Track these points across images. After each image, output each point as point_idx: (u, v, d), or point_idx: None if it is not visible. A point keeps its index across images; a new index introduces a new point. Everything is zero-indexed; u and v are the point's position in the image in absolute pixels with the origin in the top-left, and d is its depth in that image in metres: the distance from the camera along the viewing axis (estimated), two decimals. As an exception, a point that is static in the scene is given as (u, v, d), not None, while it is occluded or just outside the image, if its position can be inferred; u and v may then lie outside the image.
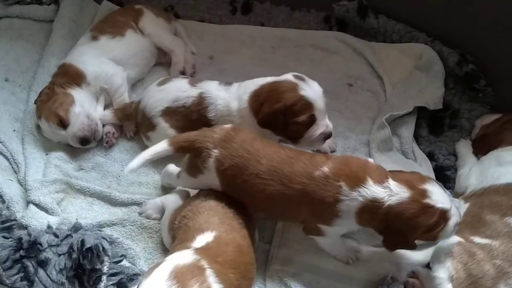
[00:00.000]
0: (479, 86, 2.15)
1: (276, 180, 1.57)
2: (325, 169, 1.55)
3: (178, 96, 1.91)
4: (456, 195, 1.92)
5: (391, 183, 1.51)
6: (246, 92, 1.82)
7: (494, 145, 1.93)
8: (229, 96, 1.86)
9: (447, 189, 1.94)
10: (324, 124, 1.79)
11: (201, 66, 2.37)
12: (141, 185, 1.98)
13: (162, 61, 2.37)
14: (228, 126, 1.69)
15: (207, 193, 1.71)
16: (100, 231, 1.72)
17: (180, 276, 1.26)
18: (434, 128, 2.15)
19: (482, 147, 1.99)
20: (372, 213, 1.51)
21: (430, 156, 2.08)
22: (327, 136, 1.81)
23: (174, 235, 1.65)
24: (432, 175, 1.99)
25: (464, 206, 1.78)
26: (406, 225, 1.49)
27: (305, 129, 1.77)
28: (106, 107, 2.14)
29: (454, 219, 1.54)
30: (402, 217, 1.47)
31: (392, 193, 1.49)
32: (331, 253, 1.75)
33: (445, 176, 2.02)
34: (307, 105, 1.74)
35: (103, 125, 2.09)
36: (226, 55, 2.41)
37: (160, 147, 1.67)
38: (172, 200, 1.80)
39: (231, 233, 1.54)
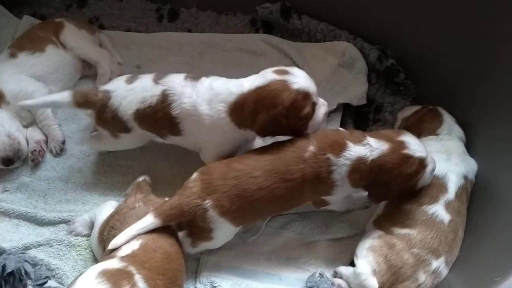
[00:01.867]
0: (399, 80, 2.22)
1: (278, 181, 1.59)
2: (311, 147, 1.63)
3: (145, 96, 1.77)
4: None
5: (370, 140, 1.63)
6: (219, 101, 1.68)
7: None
8: (196, 96, 1.72)
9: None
10: (322, 103, 1.72)
11: (128, 76, 2.35)
12: (69, 202, 1.95)
13: (88, 73, 2.33)
14: (195, 175, 1.63)
15: (135, 200, 1.71)
16: (24, 253, 1.68)
17: (109, 277, 1.27)
18: (359, 123, 2.19)
19: None
20: (360, 172, 1.61)
21: (357, 151, 2.13)
22: (327, 112, 1.76)
23: (104, 247, 1.64)
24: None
25: (385, 198, 1.84)
26: (389, 176, 1.61)
27: (310, 119, 1.68)
28: (29, 124, 2.10)
29: (430, 166, 1.67)
30: (385, 168, 1.60)
31: (372, 148, 1.61)
32: (348, 209, 1.86)
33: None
34: (306, 96, 1.63)
35: (27, 143, 2.04)
36: (153, 64, 2.39)
37: (147, 221, 1.54)
38: (100, 212, 1.78)
39: (158, 241, 1.54)
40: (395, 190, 1.66)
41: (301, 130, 1.70)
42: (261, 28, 2.52)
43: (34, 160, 2.03)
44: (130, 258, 1.42)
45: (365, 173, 1.62)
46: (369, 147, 1.62)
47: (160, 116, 1.77)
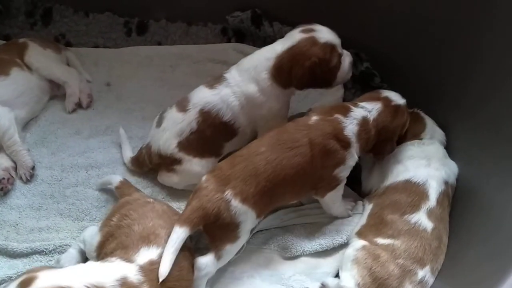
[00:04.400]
0: (375, 84, 2.20)
1: (284, 150, 1.61)
2: (314, 117, 1.69)
3: (181, 128, 1.84)
4: (363, 195, 1.93)
5: (361, 103, 1.74)
6: (260, 70, 1.80)
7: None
8: (237, 87, 1.81)
9: (355, 191, 1.96)
10: (346, 54, 1.86)
11: (98, 94, 2.28)
12: (42, 230, 1.86)
13: (57, 94, 2.27)
14: (204, 177, 1.62)
15: (141, 196, 1.74)
16: (-5, 290, 1.62)
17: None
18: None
19: None
20: (366, 132, 1.69)
21: (337, 158, 2.09)
22: (352, 62, 1.89)
23: (108, 232, 1.59)
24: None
25: (368, 207, 1.80)
26: (390, 130, 1.75)
27: (338, 69, 1.83)
28: (-2, 151, 2.03)
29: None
30: (387, 123, 1.73)
31: (368, 109, 1.72)
32: (337, 214, 1.84)
33: (353, 178, 2.02)
34: (332, 48, 1.79)
35: (-5, 171, 1.97)
36: (124, 80, 2.34)
37: (177, 234, 1.50)
38: (86, 232, 1.72)
39: None
40: (395, 142, 1.80)
41: (332, 81, 1.85)
42: (232, 37, 2.48)
43: (3, 189, 1.95)
44: (148, 273, 1.41)
45: (371, 132, 1.70)
46: (366, 109, 1.72)
47: (209, 134, 1.84)
